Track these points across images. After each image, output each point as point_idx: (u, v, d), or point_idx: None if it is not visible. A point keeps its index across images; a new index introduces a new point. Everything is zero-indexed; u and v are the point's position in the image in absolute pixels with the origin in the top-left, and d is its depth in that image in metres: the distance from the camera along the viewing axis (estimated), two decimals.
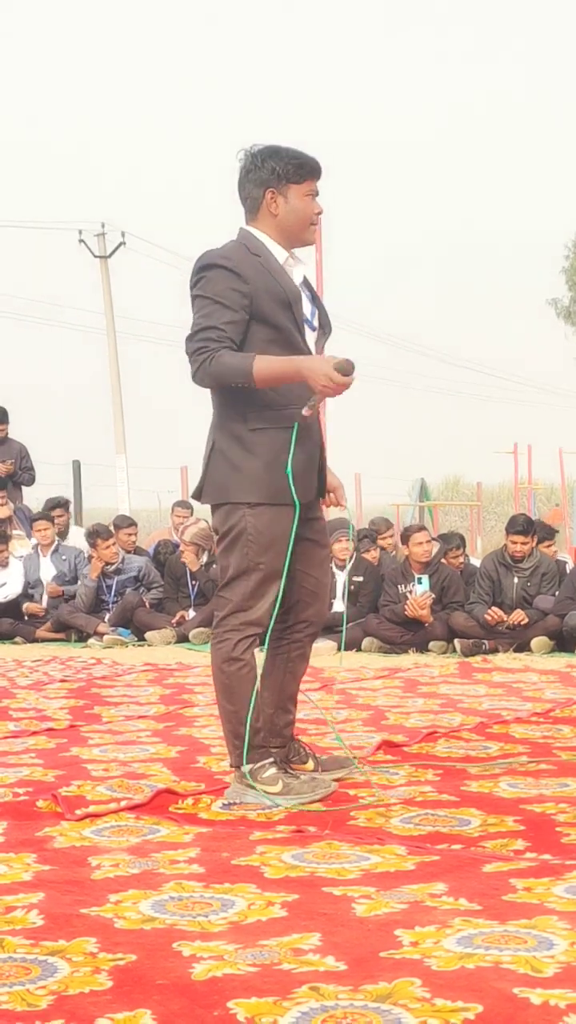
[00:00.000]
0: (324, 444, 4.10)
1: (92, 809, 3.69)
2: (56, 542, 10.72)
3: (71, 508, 12.49)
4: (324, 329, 3.97)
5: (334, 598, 9.45)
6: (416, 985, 2.20)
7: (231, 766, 3.92)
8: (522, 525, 8.88)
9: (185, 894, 2.83)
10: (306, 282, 3.97)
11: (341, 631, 8.50)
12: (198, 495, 3.96)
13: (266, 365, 3.66)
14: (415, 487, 23.87)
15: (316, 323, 3.94)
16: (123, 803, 3.76)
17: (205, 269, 3.78)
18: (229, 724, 3.87)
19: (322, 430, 4.24)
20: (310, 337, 3.90)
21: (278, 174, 3.85)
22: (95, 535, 10.17)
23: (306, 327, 3.89)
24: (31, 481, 12.09)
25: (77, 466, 20.30)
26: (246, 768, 3.82)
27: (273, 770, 3.82)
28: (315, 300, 3.98)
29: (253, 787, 3.79)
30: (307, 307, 3.91)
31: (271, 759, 3.84)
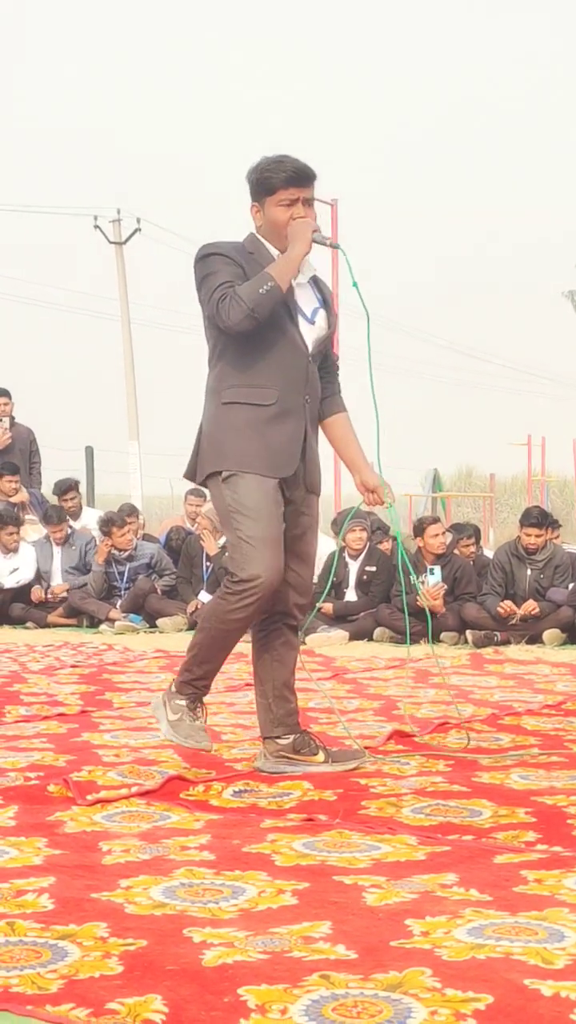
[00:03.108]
0: (355, 440, 4.20)
1: (103, 794, 3.69)
2: (69, 533, 10.72)
3: (82, 491, 12.49)
4: (325, 328, 4.04)
5: (347, 588, 9.46)
6: (426, 975, 2.19)
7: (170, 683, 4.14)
8: (536, 517, 8.87)
9: (196, 880, 2.83)
10: (316, 284, 4.10)
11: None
12: (191, 477, 4.09)
13: (275, 262, 3.89)
14: (428, 478, 23.86)
15: (315, 320, 4.02)
16: (134, 789, 3.77)
17: (201, 259, 3.97)
18: (189, 654, 4.05)
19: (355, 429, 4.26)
20: (305, 328, 3.99)
21: (255, 189, 3.99)
22: (109, 523, 10.18)
23: (300, 318, 3.99)
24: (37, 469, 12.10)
25: (90, 452, 20.32)
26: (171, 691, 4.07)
27: (183, 703, 4.02)
28: (325, 303, 4.09)
29: (167, 703, 4.04)
30: (307, 302, 4.03)
31: (191, 699, 4.03)
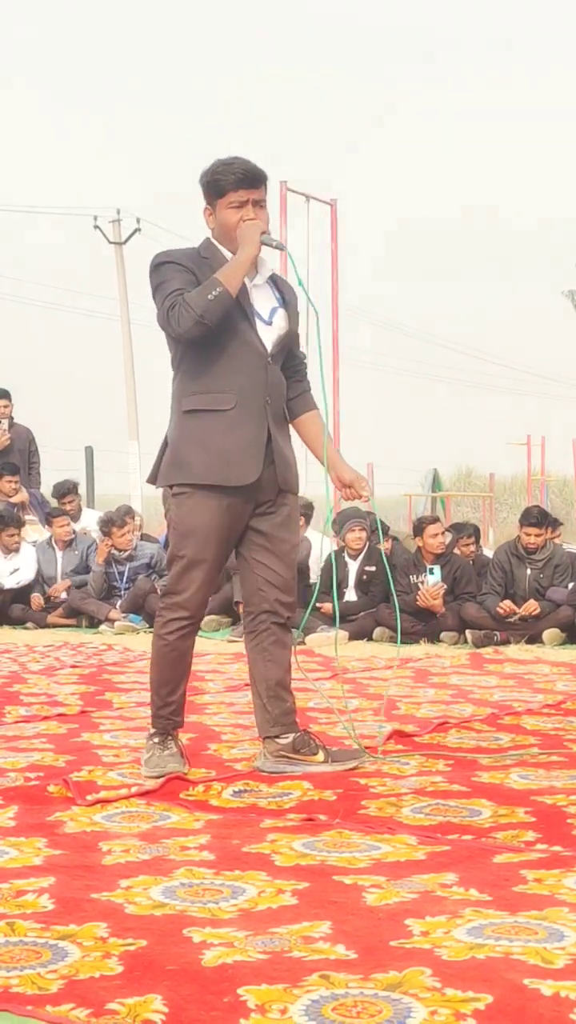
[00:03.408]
0: (325, 436, 4.20)
1: (103, 795, 3.69)
2: (72, 537, 10.72)
3: (82, 491, 12.50)
4: (284, 327, 4.03)
5: (347, 588, 9.46)
6: (426, 975, 2.19)
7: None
8: (536, 517, 8.87)
9: (195, 880, 2.83)
10: (274, 283, 4.07)
11: (357, 619, 8.47)
12: (152, 481, 4.12)
13: (223, 267, 3.88)
14: (427, 478, 23.85)
15: (272, 320, 4.01)
16: (134, 789, 3.77)
17: (154, 268, 4.00)
18: (150, 688, 4.12)
19: (337, 423, 4.27)
20: (263, 329, 4.00)
21: (206, 192, 4.00)
22: (109, 523, 10.19)
23: (257, 320, 3.99)
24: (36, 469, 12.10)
25: (90, 452, 20.33)
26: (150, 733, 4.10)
27: (156, 740, 4.04)
28: (285, 303, 4.06)
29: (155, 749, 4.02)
30: (264, 303, 4.02)
31: (163, 734, 4.05)
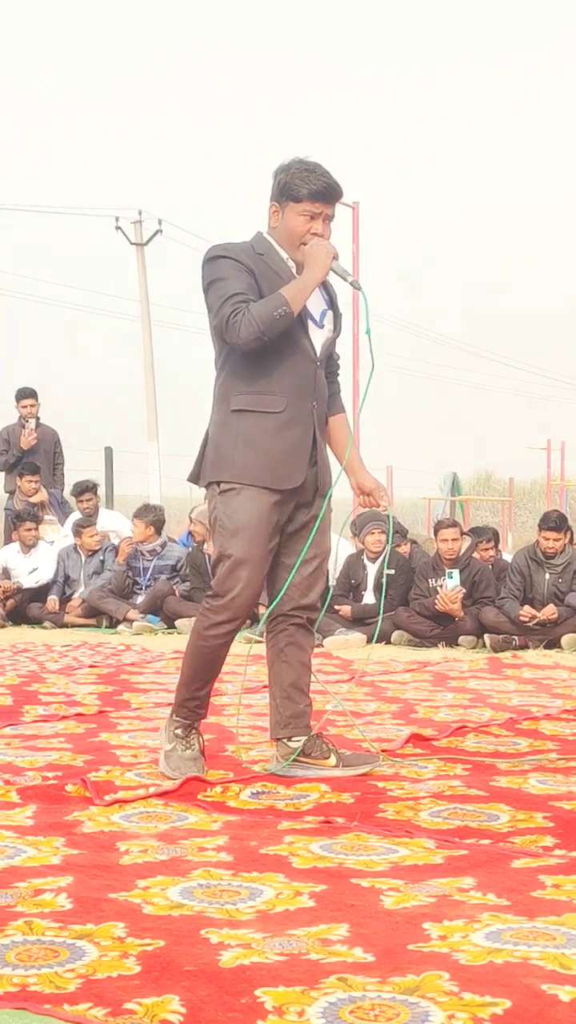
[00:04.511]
0: (351, 442, 4.18)
1: (121, 795, 3.70)
2: (99, 547, 10.74)
3: (101, 491, 12.55)
4: (332, 331, 4.03)
5: (365, 590, 9.45)
6: (444, 979, 2.19)
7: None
8: (555, 521, 8.85)
9: (213, 882, 2.83)
10: (323, 285, 4.00)
11: (376, 623, 8.47)
12: (194, 480, 4.07)
13: (290, 285, 3.83)
14: (447, 481, 23.84)
15: (324, 323, 4.00)
16: (152, 789, 3.77)
17: (210, 261, 3.93)
18: (180, 681, 4.08)
19: (357, 430, 4.27)
20: (314, 332, 3.98)
21: (281, 189, 3.93)
22: (138, 514, 10.35)
23: (310, 322, 3.97)
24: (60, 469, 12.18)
25: (109, 452, 20.37)
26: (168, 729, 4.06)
27: (179, 730, 4.01)
28: (332, 305, 4.05)
29: (172, 739, 4.02)
30: (316, 305, 3.99)
31: (187, 725, 4.02)
